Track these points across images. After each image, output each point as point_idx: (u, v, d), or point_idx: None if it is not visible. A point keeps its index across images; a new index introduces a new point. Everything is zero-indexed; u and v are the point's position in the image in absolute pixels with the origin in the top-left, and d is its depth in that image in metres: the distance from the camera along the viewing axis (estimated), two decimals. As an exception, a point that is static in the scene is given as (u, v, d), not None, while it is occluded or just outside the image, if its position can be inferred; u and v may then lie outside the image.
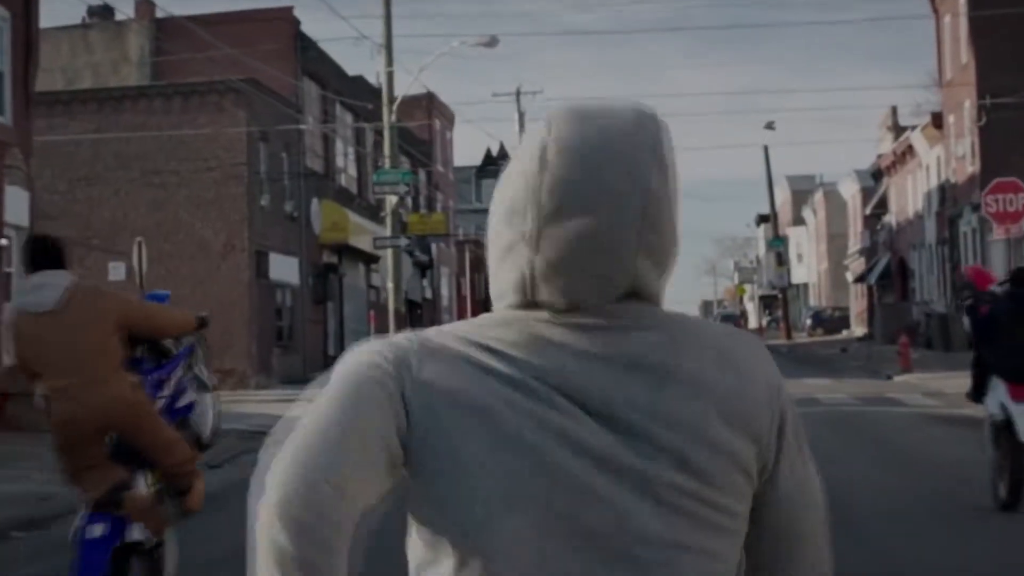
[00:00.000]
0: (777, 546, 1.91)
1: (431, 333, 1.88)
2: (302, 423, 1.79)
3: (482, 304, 77.14)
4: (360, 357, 1.84)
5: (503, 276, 1.86)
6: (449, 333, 1.86)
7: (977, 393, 12.77)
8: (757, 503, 1.88)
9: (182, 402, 7.80)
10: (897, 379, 34.40)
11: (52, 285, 7.14)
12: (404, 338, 1.87)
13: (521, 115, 70.28)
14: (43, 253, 7.30)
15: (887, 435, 20.19)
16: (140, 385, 7.36)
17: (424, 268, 60.61)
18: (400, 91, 37.70)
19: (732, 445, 1.80)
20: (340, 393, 1.80)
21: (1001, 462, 12.29)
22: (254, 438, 23.18)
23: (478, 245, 77.29)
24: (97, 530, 7.02)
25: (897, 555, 10.53)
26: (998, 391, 12.22)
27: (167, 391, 7.69)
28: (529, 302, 1.84)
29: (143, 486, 7.29)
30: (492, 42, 37.22)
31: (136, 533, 7.14)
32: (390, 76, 36.22)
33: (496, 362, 1.79)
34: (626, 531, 1.76)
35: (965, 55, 47.77)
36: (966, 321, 12.92)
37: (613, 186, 1.77)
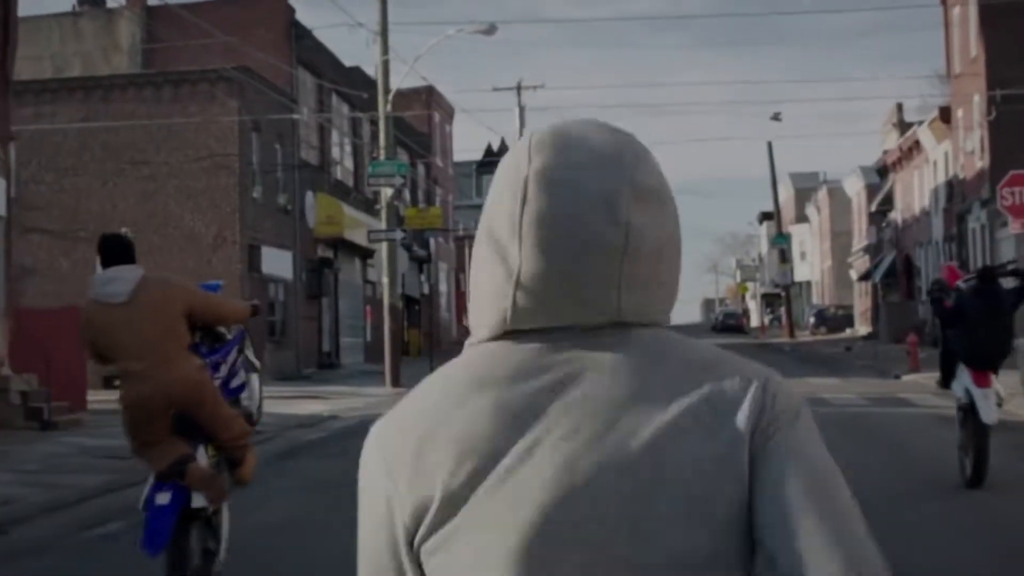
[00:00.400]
0: (776, 516, 1.67)
1: (400, 426, 1.82)
2: None
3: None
4: (367, 483, 1.85)
5: (484, 306, 1.83)
6: (414, 420, 1.81)
7: (945, 380, 14.18)
8: (751, 487, 1.71)
9: (235, 383, 8.63)
10: (905, 378, 33.63)
11: (123, 279, 7.88)
12: (381, 445, 1.83)
13: (522, 109, 69.57)
14: (114, 250, 8.07)
15: (900, 437, 19.40)
16: (204, 366, 8.11)
17: (422, 263, 59.72)
18: (397, 81, 36.88)
19: (716, 448, 1.71)
20: (366, 551, 1.84)
21: (967, 442, 13.62)
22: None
23: (478, 241, 76.54)
24: (163, 498, 7.73)
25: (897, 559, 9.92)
26: (963, 377, 13.57)
27: (223, 372, 8.44)
28: (507, 332, 1.81)
29: (203, 458, 8.02)
30: (491, 30, 36.36)
31: (198, 500, 7.86)
32: (386, 64, 35.33)
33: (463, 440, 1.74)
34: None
35: (974, 47, 46.91)
36: (933, 314, 14.42)
37: (591, 220, 1.75)
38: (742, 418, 1.72)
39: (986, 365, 13.46)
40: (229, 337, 8.69)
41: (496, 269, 1.81)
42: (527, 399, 1.75)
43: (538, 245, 1.76)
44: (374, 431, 1.85)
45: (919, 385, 30.77)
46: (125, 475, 16.95)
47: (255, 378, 9.06)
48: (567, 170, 1.77)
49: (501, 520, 1.70)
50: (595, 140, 1.81)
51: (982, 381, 13.32)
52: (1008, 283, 14.66)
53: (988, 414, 13.18)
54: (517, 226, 1.77)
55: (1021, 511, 12.71)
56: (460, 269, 70.86)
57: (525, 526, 1.70)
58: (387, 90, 35.29)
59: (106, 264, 8.11)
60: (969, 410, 13.45)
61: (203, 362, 8.19)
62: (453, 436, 1.74)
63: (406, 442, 1.78)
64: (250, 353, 9.06)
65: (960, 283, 14.52)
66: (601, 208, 1.76)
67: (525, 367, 1.77)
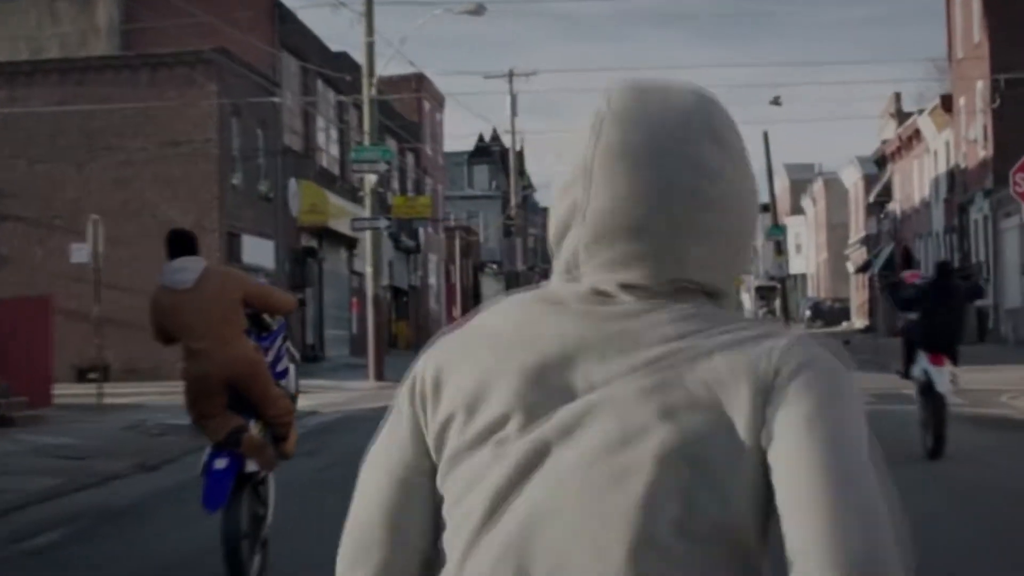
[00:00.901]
0: (787, 500, 1.63)
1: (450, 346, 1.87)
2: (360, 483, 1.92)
3: (471, 291, 75.34)
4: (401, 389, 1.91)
5: (559, 254, 1.84)
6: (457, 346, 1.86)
7: (906, 370, 16.16)
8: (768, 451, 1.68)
9: (280, 367, 9.46)
10: (909, 373, 32.31)
11: (190, 268, 8.86)
12: (422, 363, 1.88)
13: (513, 98, 68.45)
14: (180, 243, 9.08)
15: (915, 444, 17.90)
16: (258, 348, 9.04)
17: (410, 253, 58.46)
18: (383, 64, 35.77)
19: (728, 421, 1.68)
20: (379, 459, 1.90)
21: (927, 419, 15.31)
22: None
23: (468, 232, 75.48)
24: (221, 463, 8.59)
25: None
26: (921, 361, 15.46)
27: (269, 357, 9.26)
28: (576, 280, 1.82)
29: (254, 431, 8.89)
30: (479, 10, 35.25)
31: (251, 466, 8.77)
32: (370, 46, 34.16)
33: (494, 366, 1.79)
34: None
35: (978, 32, 45.74)
36: (891, 306, 16.81)
37: (664, 160, 1.76)
38: (754, 381, 1.67)
39: (941, 348, 15.32)
40: (274, 327, 9.61)
41: (565, 209, 1.80)
42: (559, 357, 1.74)
43: (608, 180, 1.75)
44: (438, 343, 1.88)
45: (923, 380, 29.57)
46: (76, 477, 15.74)
47: (292, 367, 9.88)
48: (644, 110, 1.78)
49: (497, 463, 1.74)
50: (674, 88, 1.83)
51: (938, 361, 15.21)
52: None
53: (943, 385, 15.08)
54: (589, 160, 1.77)
55: (976, 477, 13.95)
56: (450, 260, 69.76)
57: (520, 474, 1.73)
58: (372, 72, 34.11)
59: (172, 255, 9.08)
60: (927, 387, 15.30)
61: (258, 346, 9.14)
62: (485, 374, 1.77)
63: (450, 364, 1.81)
64: (290, 344, 10.04)
65: (917, 281, 16.53)
66: (675, 148, 1.76)
67: (570, 326, 1.77)
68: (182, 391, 9.02)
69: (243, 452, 8.70)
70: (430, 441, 1.81)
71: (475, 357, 1.78)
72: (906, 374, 16.15)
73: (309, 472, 15.47)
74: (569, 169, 1.80)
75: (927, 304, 15.48)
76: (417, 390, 1.83)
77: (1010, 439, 17.97)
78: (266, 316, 9.40)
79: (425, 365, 1.83)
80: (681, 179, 1.74)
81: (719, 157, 1.77)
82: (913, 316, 15.92)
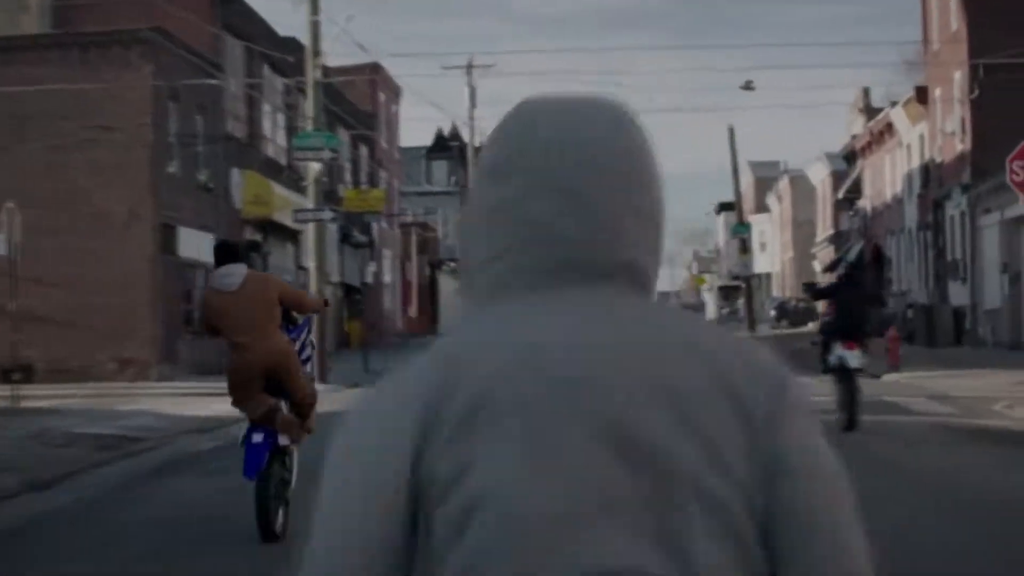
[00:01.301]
0: (790, 528, 1.75)
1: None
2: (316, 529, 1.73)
3: (428, 289, 73.22)
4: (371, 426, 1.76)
5: (489, 243, 1.81)
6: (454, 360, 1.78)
7: (824, 363, 18.14)
8: (766, 484, 1.77)
9: (304, 355, 11.29)
10: (886, 378, 30.53)
11: (235, 273, 10.65)
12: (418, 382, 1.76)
13: (472, 90, 66.42)
14: (227, 252, 10.98)
15: (910, 458, 15.83)
16: (291, 341, 10.94)
17: (359, 248, 56.17)
18: (330, 46, 33.53)
19: (728, 424, 1.74)
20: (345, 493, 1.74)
21: (843, 398, 17.62)
22: (118, 445, 18.69)
23: (425, 228, 73.35)
24: (258, 437, 10.45)
25: None
26: (836, 349, 17.82)
27: (295, 347, 11.01)
28: (516, 269, 1.80)
29: (285, 410, 10.70)
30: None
31: (283, 440, 10.59)
32: (315, 26, 32.05)
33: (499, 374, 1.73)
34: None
35: (955, 22, 43.84)
36: (808, 297, 21.23)
37: (600, 146, 1.79)
38: (755, 396, 1.75)
39: (852, 336, 17.80)
40: (300, 321, 11.32)
41: (500, 198, 1.79)
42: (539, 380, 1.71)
43: (543, 171, 1.76)
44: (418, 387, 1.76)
45: (904, 386, 27.74)
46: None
47: (313, 355, 11.76)
48: (575, 103, 1.83)
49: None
50: (593, 94, 1.87)
51: (850, 347, 17.69)
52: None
53: (853, 362, 17.65)
54: (520, 155, 1.78)
55: (886, 448, 16.15)
56: (406, 257, 67.63)
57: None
58: (317, 53, 31.93)
59: (219, 263, 10.81)
60: (840, 368, 17.67)
61: (289, 338, 10.82)
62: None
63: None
64: (313, 336, 11.90)
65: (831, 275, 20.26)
66: (609, 137, 1.79)
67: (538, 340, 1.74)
68: (226, 378, 10.80)
69: (277, 428, 10.42)
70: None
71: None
72: (825, 367, 18.09)
73: (208, 498, 13.24)
74: (498, 158, 1.80)
75: (839, 296, 18.52)
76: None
77: (1015, 455, 16.00)
78: (294, 312, 11.15)
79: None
80: (617, 164, 1.78)
81: (641, 143, 1.81)
82: (828, 319, 18.92)
